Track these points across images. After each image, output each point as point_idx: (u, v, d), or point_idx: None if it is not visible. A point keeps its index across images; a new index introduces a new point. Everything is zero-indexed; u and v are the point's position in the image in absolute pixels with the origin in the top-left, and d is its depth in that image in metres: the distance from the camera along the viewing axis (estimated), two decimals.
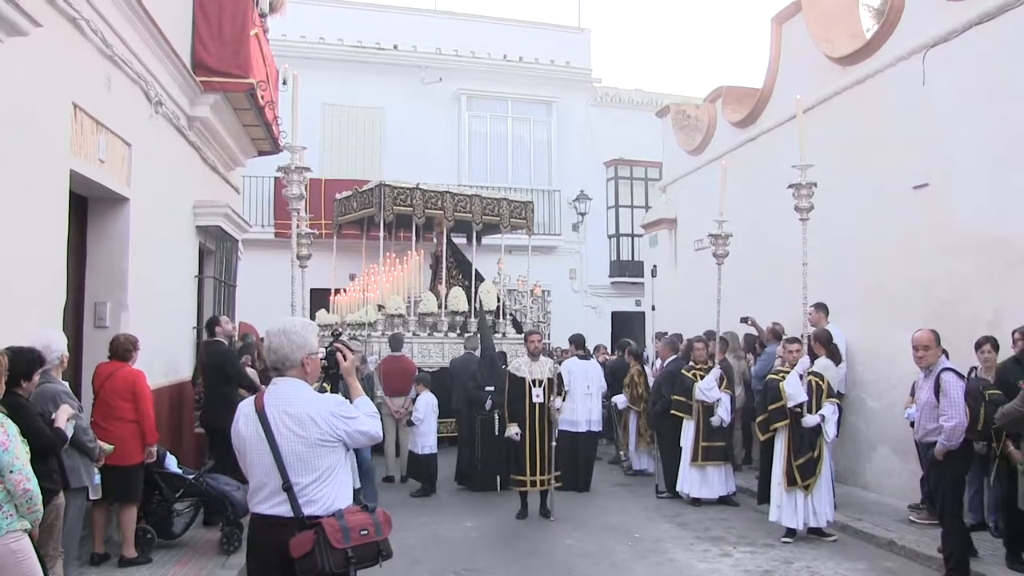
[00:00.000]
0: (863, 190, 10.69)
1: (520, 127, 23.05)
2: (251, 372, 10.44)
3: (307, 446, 3.53)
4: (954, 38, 9.25)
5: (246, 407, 3.71)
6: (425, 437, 11.11)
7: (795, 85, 11.78)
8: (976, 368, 7.90)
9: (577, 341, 12.56)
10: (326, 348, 4.05)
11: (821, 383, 8.68)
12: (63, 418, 5.47)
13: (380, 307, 14.98)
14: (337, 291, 17.23)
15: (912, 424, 8.55)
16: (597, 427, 11.75)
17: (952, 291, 9.18)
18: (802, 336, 8.92)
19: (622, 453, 12.95)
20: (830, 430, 8.57)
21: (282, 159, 7.73)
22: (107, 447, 6.26)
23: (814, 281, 9.02)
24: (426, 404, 11.22)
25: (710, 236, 10.50)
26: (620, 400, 12.64)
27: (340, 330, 12.63)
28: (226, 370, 8.93)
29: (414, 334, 14.55)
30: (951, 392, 6.81)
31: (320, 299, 16.89)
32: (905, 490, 9.58)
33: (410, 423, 11.12)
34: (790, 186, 8.80)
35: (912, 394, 8.96)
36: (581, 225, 23.25)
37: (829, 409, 8.57)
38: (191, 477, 7.65)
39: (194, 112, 10.29)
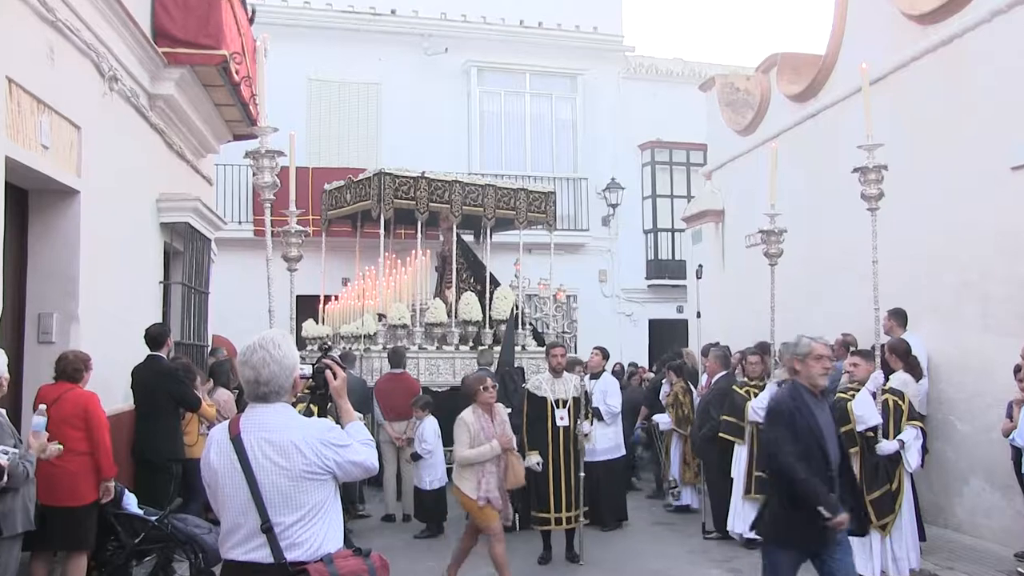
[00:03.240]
0: (948, 172, 10.53)
1: (540, 105, 22.99)
2: (224, 394, 10.42)
3: (291, 479, 3.51)
4: None
5: (219, 434, 3.69)
6: (432, 469, 11.04)
7: (865, 50, 11.62)
8: None
9: (606, 353, 12.45)
10: (313, 365, 4.02)
11: (900, 403, 8.52)
12: None
13: (381, 316, 14.95)
14: (327, 298, 17.21)
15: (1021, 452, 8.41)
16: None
17: None
18: (875, 347, 8.78)
19: (672, 482, 12.73)
20: (912, 459, 8.40)
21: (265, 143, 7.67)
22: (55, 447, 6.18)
23: (888, 282, 8.88)
24: (434, 432, 11.15)
25: (761, 232, 10.39)
26: (663, 420, 12.53)
27: (329, 344, 12.62)
28: (173, 392, 8.84)
29: (420, 348, 14.51)
30: None
31: (308, 308, 16.86)
32: (1009, 533, 9.36)
33: (416, 456, 11.05)
34: (855, 170, 8.68)
35: (1009, 415, 8.84)
36: (612, 219, 23.18)
37: (910, 434, 8.38)
38: (154, 519, 7.58)
39: (156, 89, 10.25)
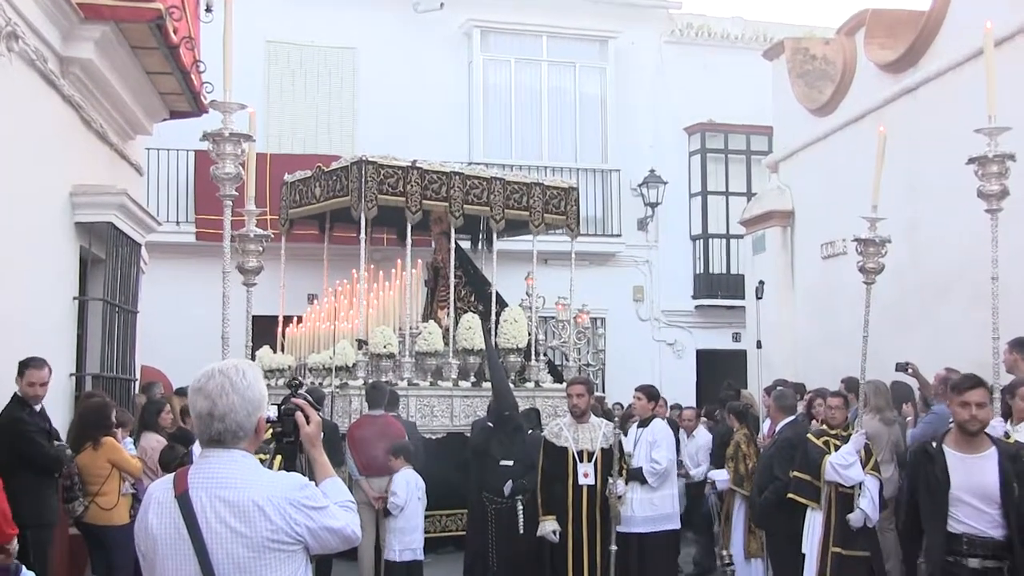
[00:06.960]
0: None
1: (561, 76, 23.04)
2: (152, 439, 10.35)
3: (251, 549, 3.51)
4: None
5: (160, 491, 3.68)
6: (404, 535, 10.95)
7: (981, 5, 11.63)
8: None
9: (651, 393, 12.46)
10: (279, 406, 4.04)
11: None
12: None
13: (361, 343, 14.92)
14: (288, 319, 17.19)
15: None
16: None
17: None
18: (993, 388, 8.70)
19: (725, 553, 12.74)
20: None
21: (209, 123, 7.62)
22: None
23: (1011, 304, 8.84)
24: (407, 485, 11.08)
25: (856, 241, 10.31)
26: (720, 477, 12.47)
27: (299, 380, 12.59)
28: (17, 451, 8.44)
29: (410, 383, 14.47)
30: None
31: (263, 332, 16.80)
32: None
33: (386, 512, 11.04)
34: (970, 160, 8.60)
35: None
36: (651, 222, 23.18)
37: None
38: None
39: (70, 52, 10.22)
